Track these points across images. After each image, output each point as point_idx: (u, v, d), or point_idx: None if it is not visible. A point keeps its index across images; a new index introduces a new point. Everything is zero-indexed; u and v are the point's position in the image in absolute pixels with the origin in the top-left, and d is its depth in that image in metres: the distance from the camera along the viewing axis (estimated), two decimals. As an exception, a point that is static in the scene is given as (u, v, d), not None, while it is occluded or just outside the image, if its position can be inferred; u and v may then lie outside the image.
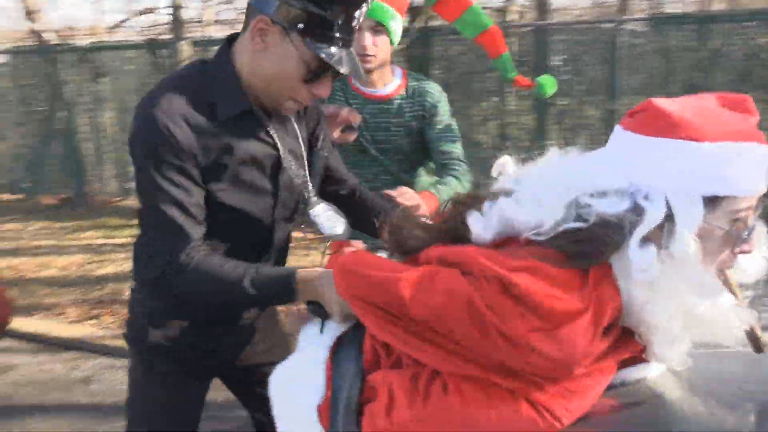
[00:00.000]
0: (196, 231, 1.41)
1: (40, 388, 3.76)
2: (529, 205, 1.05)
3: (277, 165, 1.54)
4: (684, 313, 0.98)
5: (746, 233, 1.00)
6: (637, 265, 0.96)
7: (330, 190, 1.77)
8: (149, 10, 8.78)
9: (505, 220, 1.08)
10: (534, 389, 0.99)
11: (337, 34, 1.36)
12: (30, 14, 8.37)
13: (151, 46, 7.44)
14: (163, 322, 1.60)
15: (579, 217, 1.00)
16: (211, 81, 1.44)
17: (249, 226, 1.55)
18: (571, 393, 1.02)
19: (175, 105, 1.38)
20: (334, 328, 1.29)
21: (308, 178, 1.61)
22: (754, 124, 0.99)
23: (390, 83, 2.37)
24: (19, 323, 4.58)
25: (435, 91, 2.38)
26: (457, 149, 2.31)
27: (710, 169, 0.96)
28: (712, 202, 0.97)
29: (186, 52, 7.06)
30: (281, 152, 1.53)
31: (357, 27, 1.41)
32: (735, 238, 1.00)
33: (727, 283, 1.05)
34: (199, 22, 8.85)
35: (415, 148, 2.38)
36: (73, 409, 3.46)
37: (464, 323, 0.96)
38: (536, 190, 1.06)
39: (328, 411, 1.17)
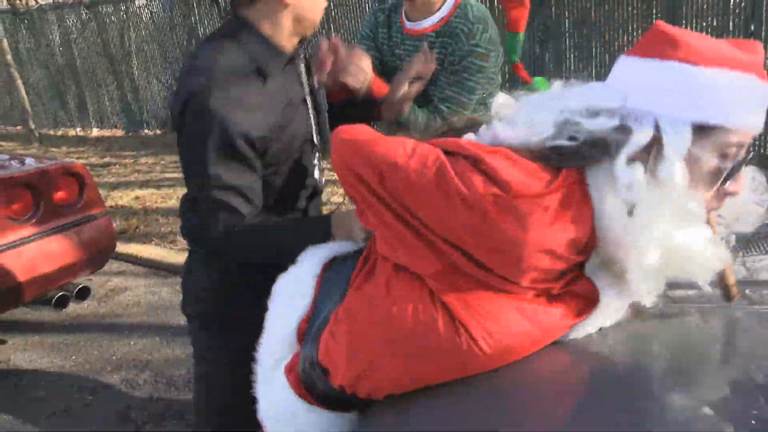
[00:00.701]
0: (248, 209, 1.45)
1: (146, 309, 4.05)
2: (522, 126, 1.03)
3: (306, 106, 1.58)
4: (662, 244, 0.93)
5: (732, 169, 0.96)
6: (621, 183, 0.93)
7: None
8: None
9: (498, 141, 1.04)
10: (457, 300, 0.96)
11: None
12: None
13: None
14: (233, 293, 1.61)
15: (569, 137, 0.98)
16: (248, 48, 1.45)
17: (302, 173, 1.59)
18: (496, 316, 0.95)
19: (230, 92, 1.38)
20: (335, 246, 1.31)
21: (312, 119, 1.62)
22: (756, 61, 0.94)
23: (433, 15, 1.94)
24: (136, 249, 4.96)
25: (466, 35, 1.87)
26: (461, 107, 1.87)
27: (703, 95, 0.92)
28: (702, 130, 0.93)
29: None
30: (306, 94, 1.58)
31: None
32: (722, 173, 0.95)
33: (710, 225, 1.00)
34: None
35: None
36: (170, 330, 3.70)
37: (431, 189, 0.96)
38: (530, 112, 1.05)
39: (305, 330, 1.19)
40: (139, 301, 4.17)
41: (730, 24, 5.18)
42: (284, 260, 1.32)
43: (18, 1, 10.05)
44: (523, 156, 0.97)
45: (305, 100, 1.59)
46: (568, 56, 6.10)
